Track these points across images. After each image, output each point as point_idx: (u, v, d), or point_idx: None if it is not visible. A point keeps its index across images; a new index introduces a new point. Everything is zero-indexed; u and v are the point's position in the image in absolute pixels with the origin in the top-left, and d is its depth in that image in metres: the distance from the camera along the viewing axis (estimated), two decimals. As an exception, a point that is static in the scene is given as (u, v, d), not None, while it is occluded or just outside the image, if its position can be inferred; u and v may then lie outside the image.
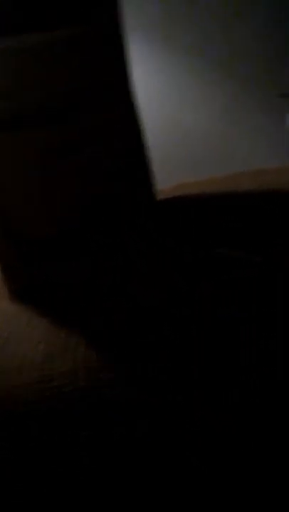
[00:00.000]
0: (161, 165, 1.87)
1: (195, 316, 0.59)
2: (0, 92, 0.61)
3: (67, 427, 0.51)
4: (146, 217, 0.73)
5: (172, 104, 1.83)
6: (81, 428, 0.50)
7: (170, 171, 1.85)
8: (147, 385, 0.51)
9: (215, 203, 0.96)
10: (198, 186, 1.11)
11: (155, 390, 0.51)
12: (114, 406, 0.50)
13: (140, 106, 1.90)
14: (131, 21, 1.72)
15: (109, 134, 0.68)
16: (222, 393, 0.52)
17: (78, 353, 0.55)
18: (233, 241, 0.75)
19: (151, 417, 0.50)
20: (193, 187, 1.10)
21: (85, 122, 0.67)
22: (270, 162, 1.82)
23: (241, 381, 0.52)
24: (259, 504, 0.50)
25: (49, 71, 0.62)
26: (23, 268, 0.68)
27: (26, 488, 0.51)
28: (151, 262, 0.72)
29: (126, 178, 0.71)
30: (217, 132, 1.85)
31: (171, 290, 0.65)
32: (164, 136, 1.85)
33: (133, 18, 1.71)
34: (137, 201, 0.72)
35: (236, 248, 0.70)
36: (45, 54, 0.59)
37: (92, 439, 0.49)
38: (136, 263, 0.70)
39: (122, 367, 0.53)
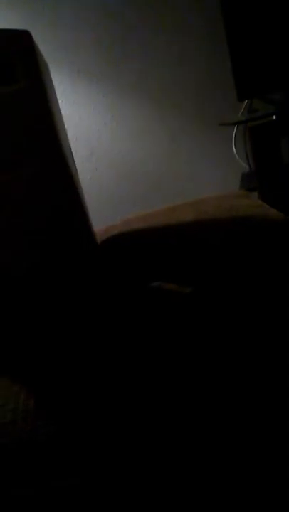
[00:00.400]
0: (114, 199, 1.92)
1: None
2: None
3: (5, 481, 0.52)
4: (84, 260, 0.76)
5: (122, 141, 1.90)
6: (20, 482, 0.52)
7: (123, 206, 1.91)
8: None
9: (153, 236, 1.01)
10: (142, 220, 1.15)
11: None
12: (50, 455, 0.52)
13: (92, 145, 1.94)
14: (72, 62, 1.79)
15: (38, 185, 0.72)
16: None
17: (19, 401, 0.57)
18: (167, 273, 0.79)
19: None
20: (138, 221, 1.14)
21: (13, 175, 0.70)
22: (221, 189, 1.89)
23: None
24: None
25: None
26: None
27: None
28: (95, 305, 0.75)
29: (60, 224, 0.74)
30: (166, 166, 1.92)
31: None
32: (116, 172, 1.90)
33: (75, 59, 1.79)
34: (74, 246, 0.75)
35: (169, 280, 0.74)
36: None
37: (31, 493, 0.50)
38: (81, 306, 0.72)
39: (57, 412, 0.55)
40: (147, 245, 0.95)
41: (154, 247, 0.93)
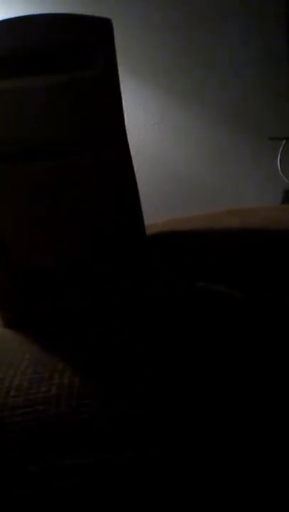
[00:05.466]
0: (153, 200, 1.93)
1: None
2: (8, 126, 0.66)
3: (47, 453, 0.52)
4: (136, 253, 0.77)
5: (168, 144, 1.91)
6: (61, 454, 0.52)
7: (162, 207, 1.91)
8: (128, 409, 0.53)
9: (196, 238, 1.01)
10: (186, 221, 1.15)
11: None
12: (93, 431, 0.52)
13: (138, 144, 1.97)
14: (131, 67, 1.82)
15: (103, 173, 0.73)
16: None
17: (64, 378, 0.58)
18: (215, 276, 0.79)
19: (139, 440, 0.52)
20: (182, 222, 1.15)
21: (81, 160, 0.71)
22: (261, 201, 1.88)
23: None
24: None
25: (52, 111, 0.67)
26: (18, 297, 0.70)
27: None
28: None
29: (117, 215, 0.75)
30: (208, 172, 1.92)
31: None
32: (158, 173, 1.91)
33: (134, 64, 1.81)
34: (127, 238, 0.76)
35: (217, 283, 0.74)
36: (52, 95, 0.65)
37: (74, 465, 0.50)
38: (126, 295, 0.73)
39: (103, 393, 0.56)
40: (190, 246, 0.95)
41: (198, 249, 0.93)
